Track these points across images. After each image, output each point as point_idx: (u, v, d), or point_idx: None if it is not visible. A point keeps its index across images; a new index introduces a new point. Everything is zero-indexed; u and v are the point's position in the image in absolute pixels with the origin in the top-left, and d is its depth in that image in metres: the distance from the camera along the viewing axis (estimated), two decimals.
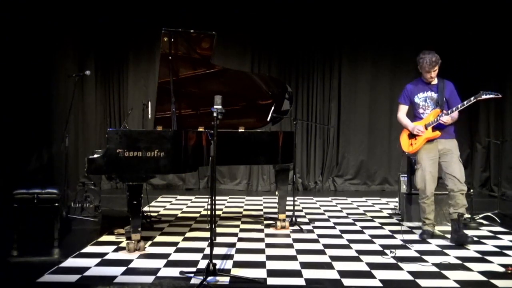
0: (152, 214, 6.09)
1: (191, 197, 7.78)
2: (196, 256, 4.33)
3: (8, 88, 5.95)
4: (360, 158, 8.94)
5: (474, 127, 8.78)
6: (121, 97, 8.82)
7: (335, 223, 5.86)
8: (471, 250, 4.64)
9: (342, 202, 7.54)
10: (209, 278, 3.61)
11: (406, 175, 6.09)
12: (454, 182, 4.93)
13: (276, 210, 5.87)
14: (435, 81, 5.12)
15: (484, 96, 4.75)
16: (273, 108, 5.53)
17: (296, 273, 3.89)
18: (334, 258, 4.33)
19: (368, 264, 4.16)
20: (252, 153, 5.11)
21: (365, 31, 8.79)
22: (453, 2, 8.39)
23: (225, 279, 3.68)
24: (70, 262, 4.16)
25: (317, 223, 5.83)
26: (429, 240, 5.01)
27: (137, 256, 4.33)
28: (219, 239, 4.46)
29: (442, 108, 5.02)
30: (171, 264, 4.11)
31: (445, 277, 3.83)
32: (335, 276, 3.84)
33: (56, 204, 4.59)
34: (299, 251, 4.54)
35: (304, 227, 5.54)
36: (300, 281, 3.70)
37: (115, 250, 4.52)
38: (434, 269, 4.05)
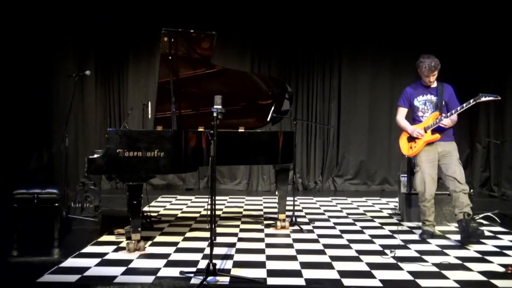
0: (152, 214, 6.09)
1: (191, 197, 7.78)
2: (196, 256, 4.33)
3: (8, 88, 5.95)
4: (360, 158, 8.94)
5: (474, 127, 8.78)
6: (121, 97, 8.82)
7: (335, 223, 5.86)
8: (471, 250, 4.64)
9: (342, 202, 7.54)
10: (209, 278, 3.61)
11: (406, 175, 6.09)
12: (455, 184, 4.93)
13: (276, 210, 5.87)
14: (434, 84, 5.13)
15: (483, 99, 4.75)
16: (273, 108, 5.52)
17: (296, 273, 3.89)
18: (334, 258, 4.33)
19: (368, 264, 4.16)
20: (252, 153, 5.11)
21: (365, 31, 8.79)
22: (453, 2, 8.39)
23: (225, 279, 3.68)
24: (70, 262, 4.16)
25: (317, 223, 5.83)
26: (429, 240, 5.01)
27: (137, 256, 4.33)
28: (219, 239, 4.46)
29: (441, 111, 5.03)
30: (171, 264, 4.11)
31: (445, 277, 3.83)
32: (335, 276, 3.84)
33: (56, 204, 4.60)
34: (299, 251, 4.54)
35: (304, 227, 5.54)
36: (300, 281, 3.70)
37: (115, 250, 4.52)
38: (434, 269, 4.05)
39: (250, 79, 5.78)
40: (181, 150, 4.54)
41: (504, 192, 7.64)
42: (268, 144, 5.15)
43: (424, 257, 4.39)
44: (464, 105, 4.85)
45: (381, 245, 4.79)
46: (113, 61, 8.78)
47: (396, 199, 6.72)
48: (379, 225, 5.80)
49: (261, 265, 4.08)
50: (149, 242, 4.81)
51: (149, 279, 3.72)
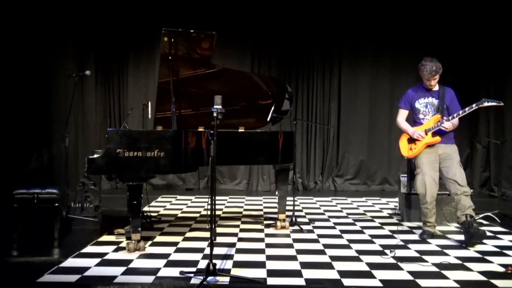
0: (152, 214, 6.09)
1: (191, 197, 7.78)
2: (196, 256, 4.33)
3: (8, 88, 5.95)
4: (360, 158, 8.94)
5: (474, 127, 8.78)
6: (121, 97, 8.82)
7: (335, 223, 5.86)
8: (471, 250, 4.64)
9: (342, 202, 7.54)
10: (209, 278, 3.61)
11: (406, 175, 6.09)
12: (456, 186, 4.91)
13: (276, 210, 5.87)
14: (436, 87, 5.12)
15: (486, 104, 4.75)
16: (273, 108, 5.52)
17: (296, 273, 3.89)
18: (334, 258, 4.33)
19: (368, 264, 4.16)
20: (252, 153, 5.11)
21: (365, 31, 8.79)
22: (453, 2, 8.39)
23: (225, 279, 3.68)
24: (70, 262, 4.16)
25: (317, 223, 5.83)
26: (429, 240, 5.01)
27: (137, 256, 4.33)
28: (219, 239, 4.46)
29: (442, 114, 5.03)
30: (171, 264, 4.11)
31: (445, 277, 3.83)
32: (335, 276, 3.84)
33: (56, 204, 4.60)
34: (299, 251, 4.54)
35: (304, 227, 5.54)
36: (300, 281, 3.70)
37: (115, 250, 4.52)
38: (434, 269, 4.05)
39: (250, 79, 5.78)
40: (181, 150, 4.54)
41: (504, 192, 7.65)
42: (268, 144, 5.15)
43: (424, 257, 4.39)
44: (466, 109, 4.84)
45: (381, 245, 4.79)
46: (113, 61, 8.77)
47: (396, 199, 6.72)
48: (379, 225, 5.80)
49: (261, 265, 4.08)
50: (149, 242, 4.81)
51: (149, 279, 3.72)
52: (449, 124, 4.94)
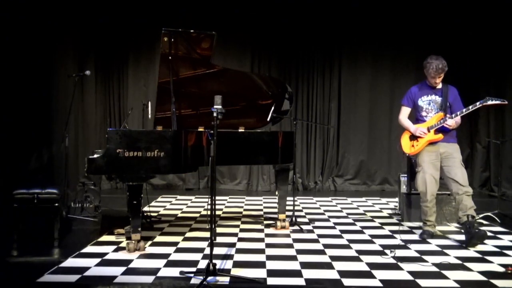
0: (152, 214, 6.09)
1: (191, 197, 7.78)
2: (196, 256, 4.33)
3: (8, 88, 5.95)
4: (360, 158, 8.94)
5: (474, 127, 8.78)
6: (121, 97, 8.82)
7: (335, 223, 5.86)
8: (471, 250, 4.64)
9: (342, 202, 7.54)
10: (209, 278, 3.61)
11: (406, 175, 6.09)
12: (458, 186, 4.90)
13: (276, 210, 5.87)
14: (439, 86, 5.11)
15: (489, 102, 4.74)
16: (273, 108, 5.52)
17: (296, 273, 3.89)
18: (334, 258, 4.33)
19: (368, 264, 4.16)
20: (252, 153, 5.11)
21: (365, 31, 8.79)
22: (453, 2, 8.40)
23: (225, 279, 3.68)
24: (70, 262, 4.16)
25: (317, 223, 5.83)
26: (429, 240, 5.01)
27: (137, 256, 4.33)
28: (219, 239, 4.46)
29: (445, 112, 5.01)
30: (171, 264, 4.11)
31: (445, 277, 3.83)
32: (335, 276, 3.84)
33: (56, 204, 4.60)
34: (299, 251, 4.54)
35: (304, 227, 5.54)
36: (300, 281, 3.70)
37: (115, 250, 4.52)
38: (434, 269, 4.05)
39: (250, 79, 5.78)
40: (181, 150, 4.54)
41: (504, 192, 7.65)
42: (268, 144, 5.15)
43: (424, 257, 4.39)
44: (470, 107, 4.84)
45: (381, 245, 4.79)
46: (113, 61, 8.78)
47: (396, 199, 6.72)
48: (379, 225, 5.80)
49: (261, 265, 4.08)
50: (149, 242, 4.81)
51: (149, 279, 3.72)
52: (452, 122, 4.92)
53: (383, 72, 8.91)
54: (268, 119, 5.58)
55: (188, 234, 5.19)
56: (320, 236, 5.18)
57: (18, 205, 4.53)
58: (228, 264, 4.10)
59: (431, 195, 5.08)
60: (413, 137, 5.15)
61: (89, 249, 4.57)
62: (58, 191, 4.66)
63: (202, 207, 6.82)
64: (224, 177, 8.97)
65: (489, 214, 6.06)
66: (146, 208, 6.17)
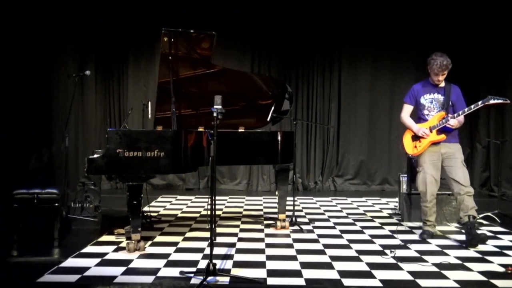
0: (152, 214, 6.09)
1: (191, 197, 7.78)
2: (196, 256, 4.33)
3: (8, 88, 5.95)
4: (360, 158, 8.94)
5: (474, 127, 8.78)
6: (121, 97, 8.82)
7: (335, 223, 5.86)
8: (471, 250, 4.64)
9: (342, 202, 7.54)
10: (209, 278, 3.61)
11: (406, 175, 6.09)
12: (459, 186, 4.87)
13: (276, 210, 5.87)
14: (442, 84, 5.06)
15: (492, 101, 4.69)
16: (273, 108, 5.53)
17: (296, 273, 3.89)
18: (334, 258, 4.33)
19: (368, 264, 4.16)
20: (252, 153, 5.11)
21: (365, 31, 8.79)
22: (453, 2, 8.40)
23: (225, 279, 3.68)
24: (70, 262, 4.16)
25: (317, 223, 5.83)
26: (429, 240, 5.01)
27: (137, 256, 4.33)
28: (219, 239, 4.46)
29: (447, 112, 4.97)
30: (171, 264, 4.11)
31: (445, 277, 3.83)
32: (335, 276, 3.84)
33: (56, 204, 4.60)
34: (299, 251, 4.54)
35: (304, 227, 5.54)
36: (300, 281, 3.70)
37: (115, 250, 4.52)
38: (434, 269, 4.05)
39: (250, 79, 5.78)
40: (181, 150, 4.54)
41: (504, 192, 7.65)
42: (268, 144, 5.15)
43: (424, 257, 4.39)
44: (472, 106, 4.79)
45: (381, 245, 4.79)
46: (113, 61, 8.78)
47: (396, 199, 6.72)
48: (379, 225, 5.80)
49: (261, 265, 4.08)
50: (149, 242, 4.81)
51: (149, 279, 3.72)
52: (455, 122, 4.88)
53: (383, 72, 8.91)
54: (268, 119, 5.58)
55: (188, 234, 5.20)
56: (320, 236, 5.18)
57: (18, 205, 4.53)
58: (228, 264, 4.10)
59: (431, 195, 5.08)
60: (416, 138, 5.10)
61: (89, 249, 4.57)
62: (58, 191, 4.66)
63: (202, 207, 6.82)
64: (224, 177, 8.97)
65: (489, 214, 6.06)
66: (146, 208, 6.17)
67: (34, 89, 6.44)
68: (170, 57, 4.89)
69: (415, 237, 5.18)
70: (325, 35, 8.83)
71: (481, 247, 4.73)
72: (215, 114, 3.68)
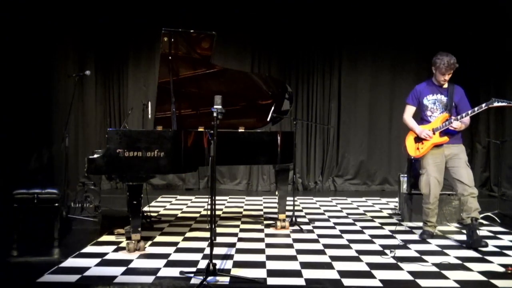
0: (152, 214, 6.09)
1: (191, 197, 7.78)
2: (196, 256, 4.33)
3: (8, 88, 5.95)
4: (360, 158, 8.94)
5: (474, 127, 8.77)
6: (121, 97, 8.82)
7: (335, 223, 5.86)
8: (471, 250, 4.64)
9: (342, 202, 7.54)
10: (209, 278, 3.61)
11: (406, 175, 6.09)
12: (463, 188, 4.82)
13: (276, 210, 5.87)
14: (445, 85, 4.98)
15: (496, 104, 4.62)
16: (273, 108, 5.53)
17: (296, 273, 3.89)
18: (334, 258, 4.33)
19: (368, 264, 4.16)
20: (252, 153, 5.11)
21: (365, 31, 8.79)
22: (453, 2, 8.40)
23: (225, 279, 3.68)
24: (70, 262, 4.16)
25: (317, 223, 5.83)
26: (429, 240, 5.01)
27: (137, 256, 4.33)
28: (219, 239, 4.46)
29: (450, 113, 4.92)
30: (171, 264, 4.11)
31: (445, 277, 3.83)
32: (335, 276, 3.84)
33: (56, 204, 4.60)
34: (299, 251, 4.54)
35: (304, 227, 5.54)
36: (300, 281, 3.70)
37: (115, 250, 4.52)
38: (434, 269, 4.05)
39: (250, 79, 5.78)
40: (181, 150, 4.54)
41: (504, 192, 7.65)
42: (268, 144, 5.15)
43: (424, 257, 4.39)
44: (476, 109, 4.72)
45: (381, 245, 4.79)
46: (113, 61, 8.78)
47: (396, 199, 6.72)
48: (379, 225, 5.80)
49: (261, 265, 4.08)
50: (149, 242, 4.81)
51: (149, 279, 3.72)
52: (458, 124, 4.82)
53: (383, 72, 8.91)
54: (268, 119, 5.58)
55: (188, 234, 5.19)
56: (320, 236, 5.18)
57: (18, 205, 4.53)
58: (228, 264, 4.10)
59: (434, 198, 5.04)
60: (418, 139, 5.04)
61: (89, 249, 4.57)
62: (58, 191, 4.66)
63: (202, 207, 6.82)
64: (224, 177, 8.97)
65: (489, 214, 6.06)
66: (146, 208, 6.17)
67: (34, 89, 6.44)
68: (170, 57, 4.89)
69: (415, 237, 5.18)
70: (325, 35, 8.83)
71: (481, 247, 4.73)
72: (215, 114, 3.68)
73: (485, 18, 8.33)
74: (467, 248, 4.72)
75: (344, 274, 3.87)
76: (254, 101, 5.61)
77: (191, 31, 4.92)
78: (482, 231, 5.42)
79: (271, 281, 3.69)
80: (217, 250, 4.38)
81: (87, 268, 3.96)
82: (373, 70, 8.92)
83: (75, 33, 7.81)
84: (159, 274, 3.84)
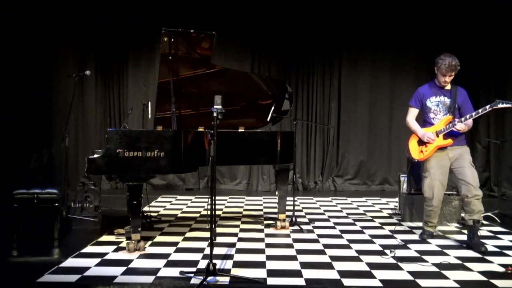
0: (152, 214, 6.09)
1: (191, 197, 7.78)
2: (196, 256, 4.33)
3: (8, 88, 5.95)
4: (360, 158, 8.94)
5: (474, 127, 8.74)
6: (121, 97, 8.82)
7: (335, 223, 5.86)
8: (471, 250, 4.64)
9: (342, 202, 7.54)
10: (209, 278, 3.61)
11: (406, 175, 6.09)
12: (467, 188, 4.72)
13: (276, 210, 5.87)
14: (448, 86, 4.93)
15: (500, 105, 4.56)
16: (273, 108, 5.53)
17: (296, 273, 3.89)
18: (334, 258, 4.33)
19: (368, 264, 4.16)
20: (252, 153, 5.11)
21: (365, 31, 8.79)
22: (453, 2, 8.40)
23: (225, 279, 3.68)
24: (70, 262, 4.16)
25: (317, 223, 5.83)
26: (429, 240, 5.01)
27: (137, 256, 4.33)
28: (219, 239, 4.46)
29: (454, 115, 4.86)
30: (171, 264, 4.11)
31: (445, 277, 3.83)
32: (335, 276, 3.84)
33: (56, 204, 4.60)
34: (299, 251, 4.54)
35: (304, 227, 5.54)
36: (300, 281, 3.70)
37: (115, 250, 4.52)
38: (434, 269, 4.05)
39: (250, 79, 5.78)
40: (181, 150, 4.54)
41: (504, 192, 7.65)
42: (268, 144, 5.15)
43: (424, 257, 4.39)
44: (480, 110, 4.66)
45: (381, 245, 4.79)
46: (113, 61, 8.78)
47: (396, 199, 6.72)
48: (379, 225, 5.80)
49: (261, 265, 4.08)
50: (149, 242, 4.81)
51: (149, 279, 3.72)
52: (462, 126, 4.76)
53: (383, 72, 8.91)
54: (268, 119, 5.58)
55: (188, 234, 5.20)
56: (320, 236, 5.18)
57: (18, 205, 4.53)
58: (228, 264, 4.10)
59: (438, 201, 5.00)
60: (422, 142, 4.97)
61: (89, 249, 4.57)
62: (58, 191, 4.66)
63: (202, 207, 6.82)
64: (224, 177, 8.97)
65: (489, 214, 6.06)
66: (146, 208, 6.17)
67: (34, 89, 6.45)
68: (170, 57, 4.89)
69: (415, 237, 5.18)
70: (325, 35, 8.83)
71: None
72: (215, 114, 3.68)
73: (485, 18, 8.33)
74: (467, 248, 4.72)
75: (344, 274, 3.87)
76: (254, 101, 5.61)
77: (191, 31, 4.92)
78: (482, 231, 5.43)
79: (271, 281, 3.69)
80: (217, 250, 4.38)
81: (87, 268, 3.96)
82: (373, 70, 8.92)
83: (75, 33, 7.82)
84: (159, 274, 3.84)
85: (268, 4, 8.55)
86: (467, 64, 8.51)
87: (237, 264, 4.09)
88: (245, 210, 6.75)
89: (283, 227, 5.42)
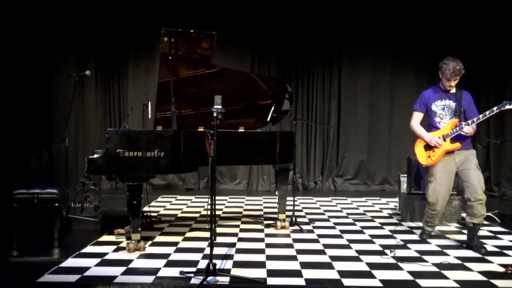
0: (152, 214, 6.09)
1: (191, 197, 7.78)
2: (196, 256, 4.33)
3: (8, 88, 5.95)
4: (360, 158, 8.94)
5: None
6: (121, 97, 8.82)
7: (335, 223, 5.86)
8: (471, 250, 4.64)
9: (342, 202, 7.54)
10: (209, 278, 3.61)
11: (406, 175, 6.09)
12: (471, 191, 4.66)
13: (276, 210, 5.87)
14: (453, 90, 4.87)
15: (507, 106, 4.51)
16: (273, 108, 5.53)
17: (296, 273, 3.89)
18: (334, 258, 4.33)
19: (368, 264, 4.16)
20: (252, 153, 5.11)
21: (365, 31, 8.79)
22: (453, 2, 8.40)
23: (225, 279, 3.68)
24: (70, 262, 4.16)
25: (317, 223, 5.83)
26: (429, 240, 5.01)
27: (137, 256, 4.33)
28: (219, 239, 4.46)
29: (459, 119, 4.81)
30: (171, 264, 4.11)
31: (445, 277, 3.83)
32: (335, 276, 3.84)
33: (56, 204, 4.60)
34: (299, 251, 4.54)
35: (304, 227, 5.54)
36: (300, 281, 3.70)
37: (115, 250, 4.52)
38: (434, 269, 4.05)
39: (250, 79, 5.78)
40: (180, 150, 4.54)
41: (504, 192, 7.64)
42: (268, 144, 5.15)
43: (424, 257, 4.39)
44: (487, 113, 4.62)
45: (381, 245, 4.79)
46: (113, 61, 8.78)
47: (396, 199, 6.72)
48: (379, 225, 5.80)
49: (261, 265, 4.08)
50: (149, 242, 4.81)
51: (149, 279, 3.72)
52: (470, 129, 4.72)
53: (383, 72, 8.91)
54: (268, 119, 5.58)
55: (188, 234, 5.20)
56: (320, 236, 5.18)
57: (18, 205, 4.53)
58: (228, 264, 4.10)
59: (441, 207, 4.96)
60: (429, 147, 4.89)
61: (89, 249, 4.57)
62: (58, 191, 4.66)
63: (202, 207, 6.82)
64: (224, 177, 8.97)
65: (489, 214, 6.05)
66: (146, 208, 6.17)
67: (34, 89, 6.45)
68: (170, 57, 4.89)
69: (415, 237, 5.18)
70: (325, 35, 8.83)
71: None
72: (215, 114, 3.68)
73: (485, 18, 8.33)
74: (467, 248, 4.72)
75: (344, 274, 3.87)
76: (254, 101, 5.61)
77: (191, 31, 4.92)
78: (482, 231, 5.43)
79: (271, 281, 3.69)
80: (217, 250, 4.38)
81: (87, 268, 3.96)
82: (373, 70, 8.92)
83: (75, 33, 7.81)
84: (159, 274, 3.84)
85: (268, 4, 8.55)
86: (467, 64, 8.48)
87: (237, 264, 4.09)
88: (245, 210, 6.75)
89: (283, 227, 5.42)
